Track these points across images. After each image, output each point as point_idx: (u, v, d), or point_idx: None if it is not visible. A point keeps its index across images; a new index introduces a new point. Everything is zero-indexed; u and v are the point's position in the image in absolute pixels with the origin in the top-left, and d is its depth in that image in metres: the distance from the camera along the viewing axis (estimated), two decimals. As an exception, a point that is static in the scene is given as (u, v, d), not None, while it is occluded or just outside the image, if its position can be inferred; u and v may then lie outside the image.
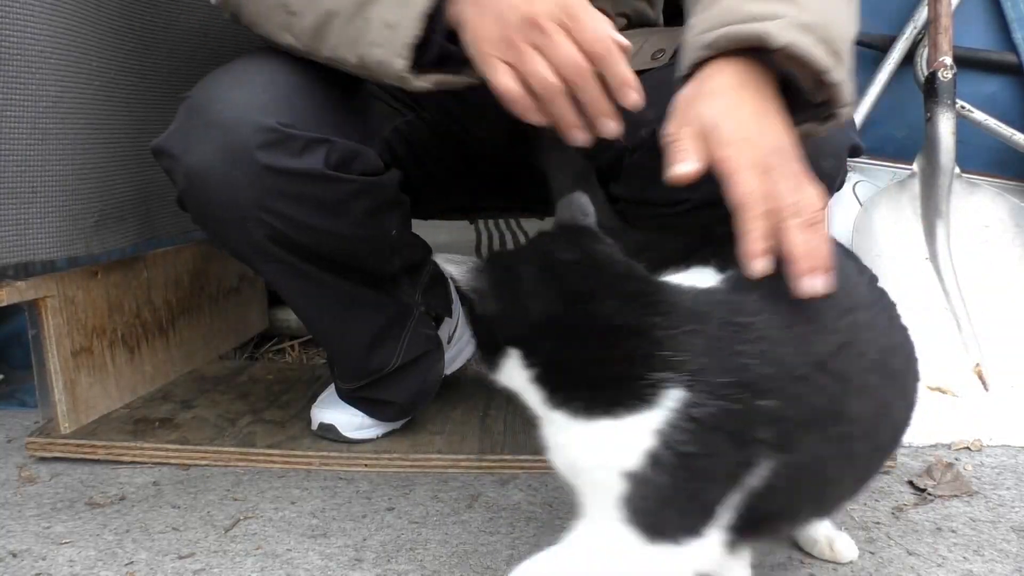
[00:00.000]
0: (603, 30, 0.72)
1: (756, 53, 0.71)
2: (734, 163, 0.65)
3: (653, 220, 1.03)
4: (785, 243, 0.63)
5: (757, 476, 0.62)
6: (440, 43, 0.79)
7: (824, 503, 0.75)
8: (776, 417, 0.61)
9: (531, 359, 0.66)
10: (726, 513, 0.63)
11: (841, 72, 0.74)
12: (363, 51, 0.82)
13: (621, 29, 1.06)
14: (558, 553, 0.69)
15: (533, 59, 0.72)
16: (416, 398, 1.25)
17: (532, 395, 0.68)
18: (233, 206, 0.91)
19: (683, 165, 0.67)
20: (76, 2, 1.18)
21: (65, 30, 1.16)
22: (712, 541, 0.63)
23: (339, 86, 0.97)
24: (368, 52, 0.81)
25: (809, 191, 0.65)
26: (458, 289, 0.71)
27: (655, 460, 0.60)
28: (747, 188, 0.65)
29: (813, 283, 0.63)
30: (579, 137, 0.75)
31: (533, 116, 0.74)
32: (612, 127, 0.74)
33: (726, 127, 0.67)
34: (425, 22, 0.78)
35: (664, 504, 0.62)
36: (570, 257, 0.67)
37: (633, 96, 0.72)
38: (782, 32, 0.70)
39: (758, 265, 0.64)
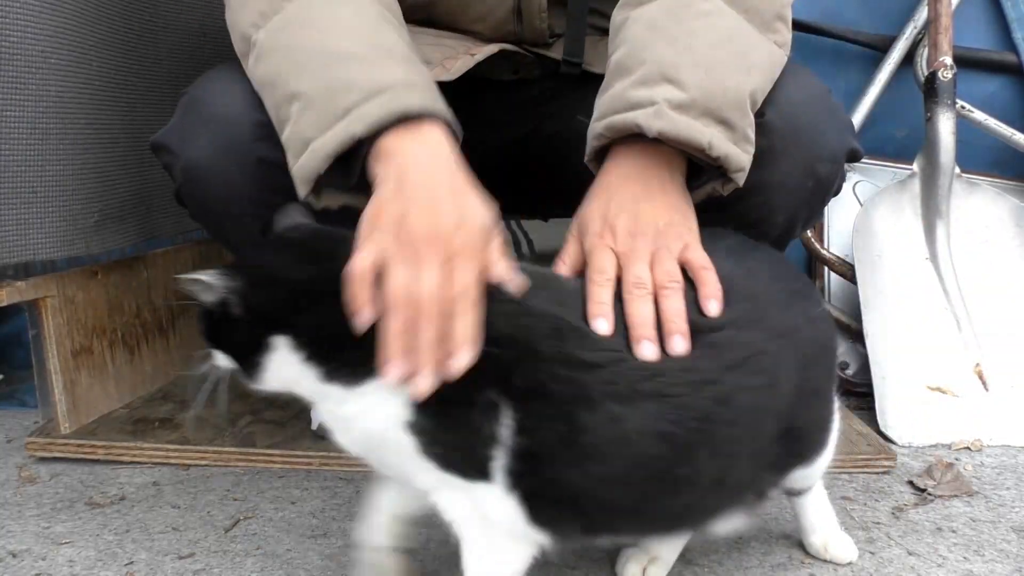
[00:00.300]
0: (470, 281, 0.66)
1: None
2: (590, 247, 0.75)
3: None
4: (626, 310, 0.69)
5: (506, 427, 0.64)
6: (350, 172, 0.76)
7: (664, 506, 0.71)
8: (509, 368, 0.65)
9: (300, 339, 0.67)
10: (499, 463, 0.66)
11: (726, 140, 0.76)
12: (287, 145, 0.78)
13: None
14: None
15: (408, 271, 0.66)
16: None
17: (307, 379, 0.69)
18: (230, 200, 0.91)
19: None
20: (76, 2, 1.18)
21: (65, 30, 1.16)
22: (500, 494, 0.67)
23: None
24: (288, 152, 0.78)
25: (666, 266, 0.71)
26: (201, 305, 0.71)
27: (420, 408, 0.65)
28: (596, 264, 0.73)
29: (641, 348, 0.66)
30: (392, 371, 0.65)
31: (363, 312, 0.65)
32: (423, 384, 0.64)
33: (594, 223, 0.76)
34: (331, 162, 0.73)
35: (445, 447, 0.67)
36: (302, 234, 0.73)
37: (456, 365, 0.65)
38: (652, 121, 0.74)
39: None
